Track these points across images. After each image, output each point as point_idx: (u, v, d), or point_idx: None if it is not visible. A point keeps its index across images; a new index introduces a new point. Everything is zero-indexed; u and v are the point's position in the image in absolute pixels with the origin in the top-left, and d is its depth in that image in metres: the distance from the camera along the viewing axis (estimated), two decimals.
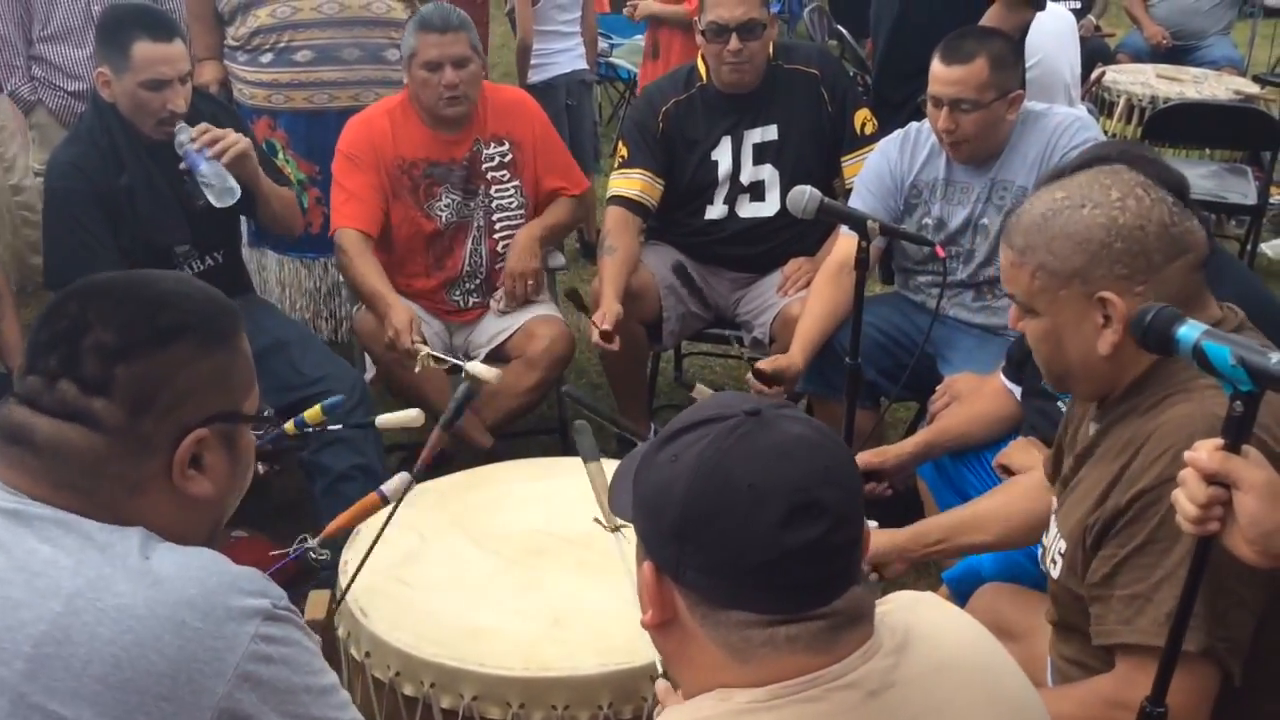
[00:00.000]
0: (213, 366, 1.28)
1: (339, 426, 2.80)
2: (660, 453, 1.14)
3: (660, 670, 1.72)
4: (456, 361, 3.03)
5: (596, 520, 2.07)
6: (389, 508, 2.00)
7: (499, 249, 3.46)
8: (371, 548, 1.95)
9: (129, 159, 2.93)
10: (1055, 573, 1.71)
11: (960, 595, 2.27)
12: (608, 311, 3.17)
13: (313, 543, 2.11)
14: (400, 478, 1.99)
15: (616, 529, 2.01)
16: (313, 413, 2.35)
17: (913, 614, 1.18)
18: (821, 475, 1.09)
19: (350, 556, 2.11)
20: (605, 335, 3.14)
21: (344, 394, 3.00)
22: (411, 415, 2.41)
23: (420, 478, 2.03)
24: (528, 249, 3.36)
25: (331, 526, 2.01)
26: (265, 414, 1.40)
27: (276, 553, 2.17)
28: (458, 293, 3.47)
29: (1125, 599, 1.55)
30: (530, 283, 3.35)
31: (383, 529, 1.98)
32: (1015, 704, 1.19)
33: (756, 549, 1.07)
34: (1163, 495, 1.50)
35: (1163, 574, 1.52)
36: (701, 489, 1.09)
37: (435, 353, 3.06)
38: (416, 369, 3.03)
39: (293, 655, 1.22)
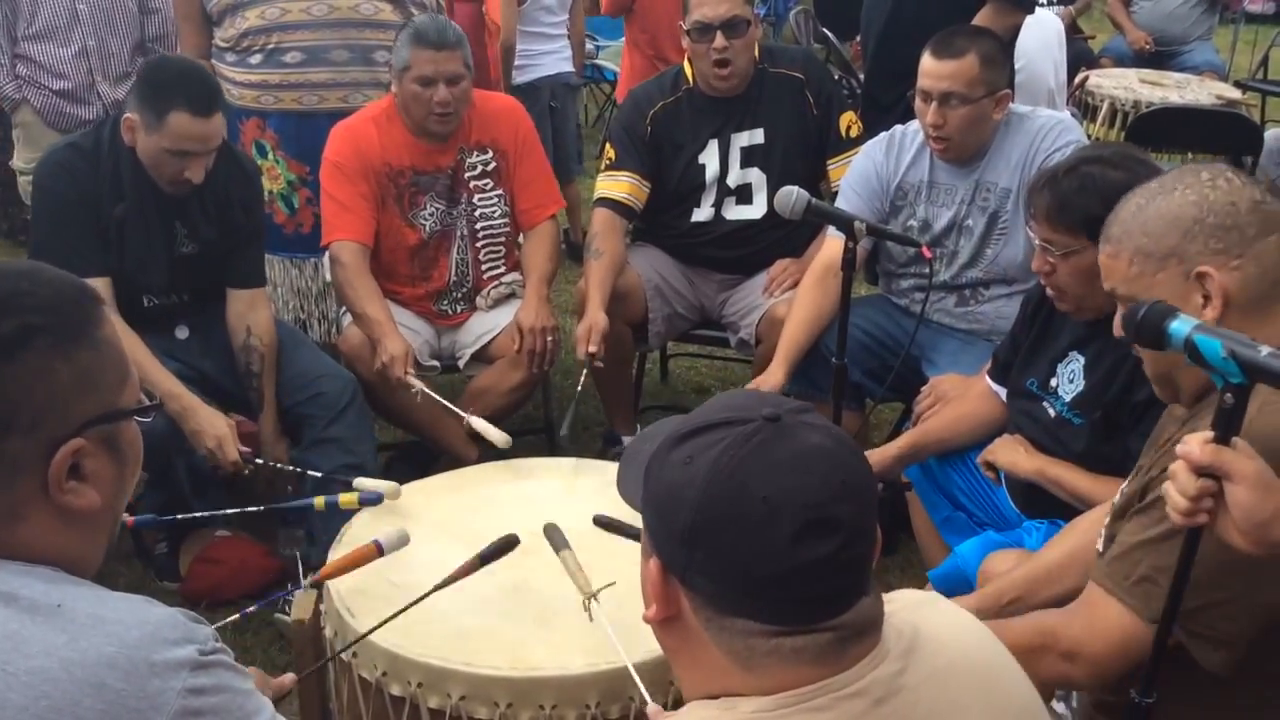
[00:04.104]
0: (74, 369, 1.15)
1: (319, 474, 2.81)
2: (675, 451, 1.12)
3: (638, 682, 1.72)
4: (458, 411, 2.99)
5: (580, 595, 2.01)
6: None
7: (481, 257, 3.44)
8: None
9: (130, 190, 2.86)
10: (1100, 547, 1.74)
11: (945, 595, 2.28)
12: (594, 326, 3.16)
13: (307, 583, 2.08)
14: (398, 533, 1.98)
15: (593, 596, 1.97)
16: (348, 498, 2.31)
17: (918, 614, 1.17)
18: (837, 490, 1.07)
19: (337, 557, 2.11)
20: (592, 357, 3.13)
21: (336, 395, 3.02)
22: (389, 487, 2.37)
23: (398, 469, 2.00)
24: (540, 307, 3.27)
25: (325, 571, 2.00)
26: (148, 402, 1.26)
27: (271, 596, 2.13)
28: (445, 303, 3.46)
29: (1116, 543, 1.62)
30: (550, 339, 3.25)
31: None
32: (1017, 706, 1.19)
33: (767, 562, 1.05)
34: None
35: (1146, 537, 1.56)
36: (715, 497, 1.07)
37: (432, 394, 3.04)
38: (418, 399, 3.03)
39: (223, 704, 1.13)
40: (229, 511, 2.59)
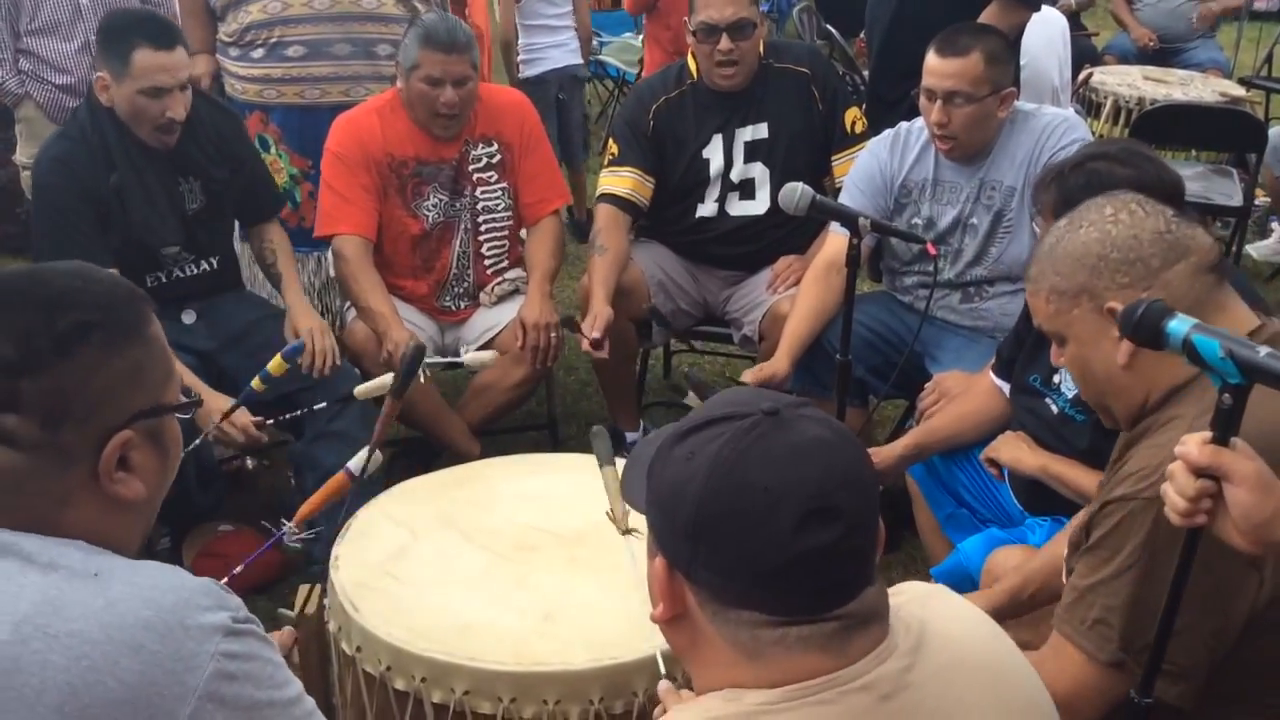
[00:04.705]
0: (125, 364, 1.21)
1: (323, 405, 2.87)
2: (676, 448, 1.13)
3: (663, 668, 1.73)
4: (453, 360, 3.03)
5: (609, 518, 2.06)
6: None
7: (484, 250, 3.44)
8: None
9: (120, 158, 2.91)
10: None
11: None
12: (598, 316, 3.17)
13: (290, 526, 2.11)
14: (364, 453, 2.00)
15: (627, 531, 2.01)
16: (275, 363, 2.46)
17: (926, 609, 1.18)
18: (838, 479, 1.08)
19: (341, 551, 2.11)
20: (595, 343, 3.14)
21: (337, 387, 3.03)
22: (385, 380, 2.47)
23: (401, 465, 2.03)
24: (542, 303, 3.28)
25: (304, 510, 2.02)
26: (188, 399, 1.33)
27: (256, 552, 2.18)
28: (448, 297, 3.45)
29: (1069, 588, 1.63)
30: (553, 335, 3.26)
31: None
32: (1025, 702, 1.20)
33: (770, 552, 1.07)
34: (1119, 510, 1.55)
35: (1097, 579, 1.57)
36: (717, 489, 1.08)
37: (432, 361, 3.05)
38: (425, 380, 3.03)
39: (255, 670, 1.17)
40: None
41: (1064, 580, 1.72)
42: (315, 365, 2.99)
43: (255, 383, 2.49)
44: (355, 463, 1.99)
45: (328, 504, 2.07)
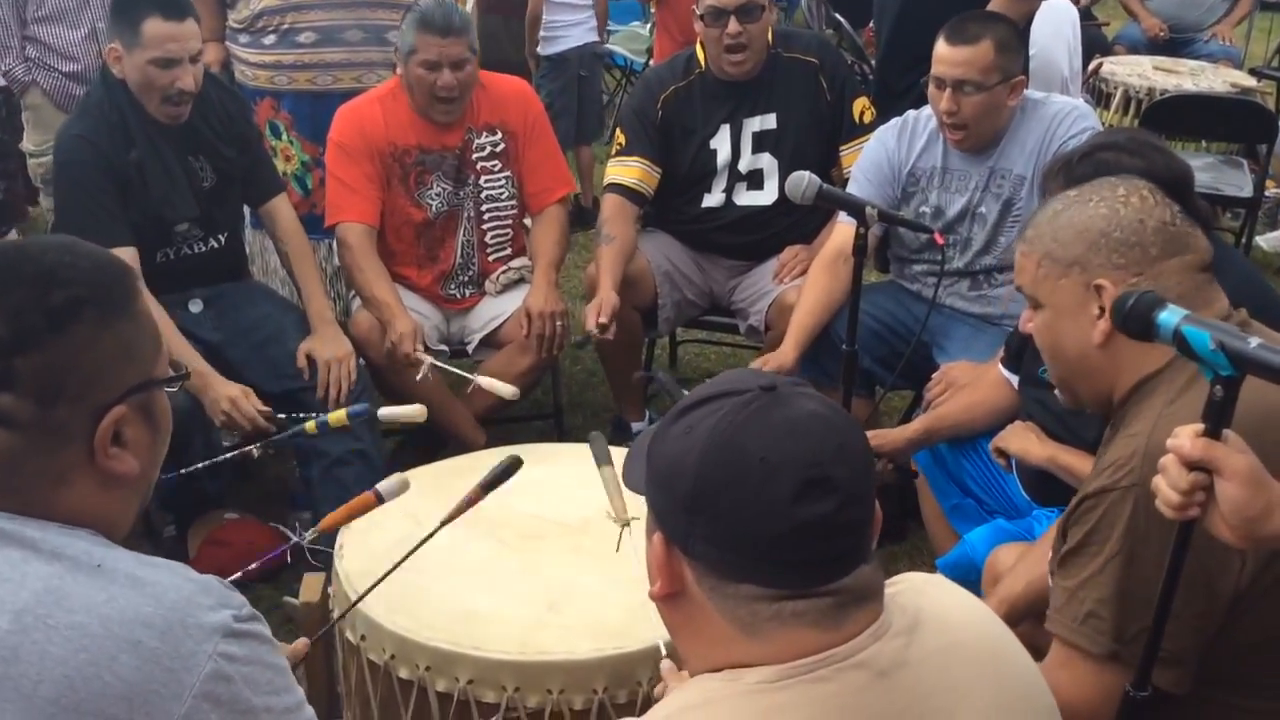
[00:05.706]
0: (117, 339, 1.20)
1: (324, 419, 2.81)
2: (674, 425, 1.15)
3: (664, 652, 1.73)
4: (466, 375, 3.02)
5: (609, 516, 2.07)
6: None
7: (488, 239, 3.43)
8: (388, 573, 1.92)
9: (138, 134, 2.93)
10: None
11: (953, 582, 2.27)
12: (604, 302, 3.17)
13: (308, 536, 2.09)
14: (398, 479, 1.97)
15: (627, 523, 2.01)
16: (337, 416, 2.36)
17: (922, 596, 1.18)
18: (834, 452, 1.09)
19: (345, 541, 2.11)
20: (601, 327, 3.13)
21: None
22: (414, 410, 2.44)
23: (406, 454, 2.02)
24: (548, 292, 3.28)
25: (325, 523, 2.00)
26: (178, 372, 1.33)
27: (270, 553, 2.16)
28: (453, 286, 3.45)
29: (1058, 589, 1.62)
30: (560, 323, 3.26)
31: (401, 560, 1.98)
32: (1021, 685, 1.20)
33: (767, 522, 1.08)
34: (1100, 503, 1.55)
35: (1086, 576, 1.57)
36: (714, 461, 1.09)
37: (440, 364, 3.06)
38: (418, 376, 3.03)
39: (253, 674, 1.16)
40: (228, 455, 2.62)
41: (1049, 582, 1.72)
42: (330, 396, 2.98)
43: (310, 426, 2.37)
44: (385, 487, 1.97)
45: (348, 520, 2.04)
